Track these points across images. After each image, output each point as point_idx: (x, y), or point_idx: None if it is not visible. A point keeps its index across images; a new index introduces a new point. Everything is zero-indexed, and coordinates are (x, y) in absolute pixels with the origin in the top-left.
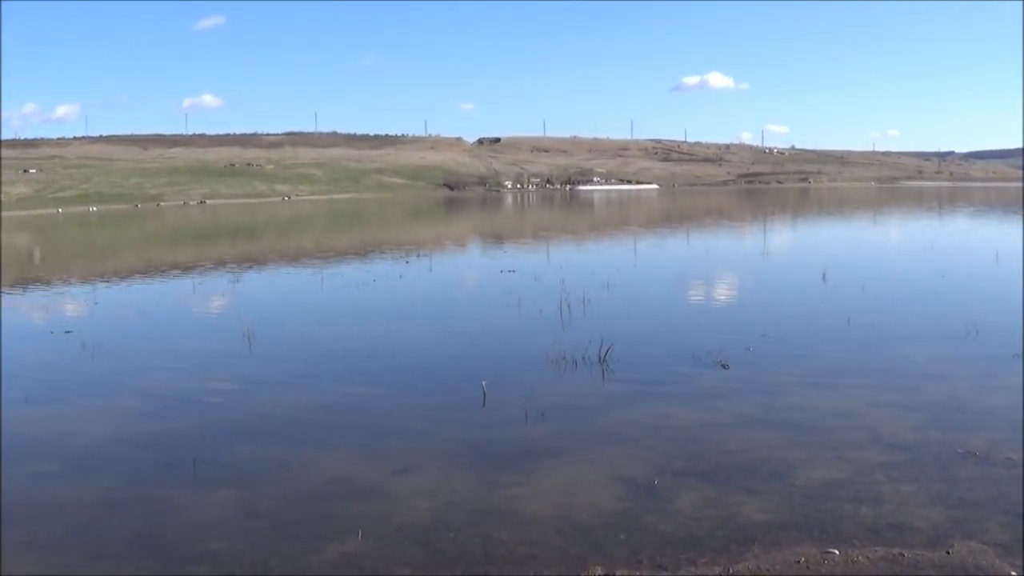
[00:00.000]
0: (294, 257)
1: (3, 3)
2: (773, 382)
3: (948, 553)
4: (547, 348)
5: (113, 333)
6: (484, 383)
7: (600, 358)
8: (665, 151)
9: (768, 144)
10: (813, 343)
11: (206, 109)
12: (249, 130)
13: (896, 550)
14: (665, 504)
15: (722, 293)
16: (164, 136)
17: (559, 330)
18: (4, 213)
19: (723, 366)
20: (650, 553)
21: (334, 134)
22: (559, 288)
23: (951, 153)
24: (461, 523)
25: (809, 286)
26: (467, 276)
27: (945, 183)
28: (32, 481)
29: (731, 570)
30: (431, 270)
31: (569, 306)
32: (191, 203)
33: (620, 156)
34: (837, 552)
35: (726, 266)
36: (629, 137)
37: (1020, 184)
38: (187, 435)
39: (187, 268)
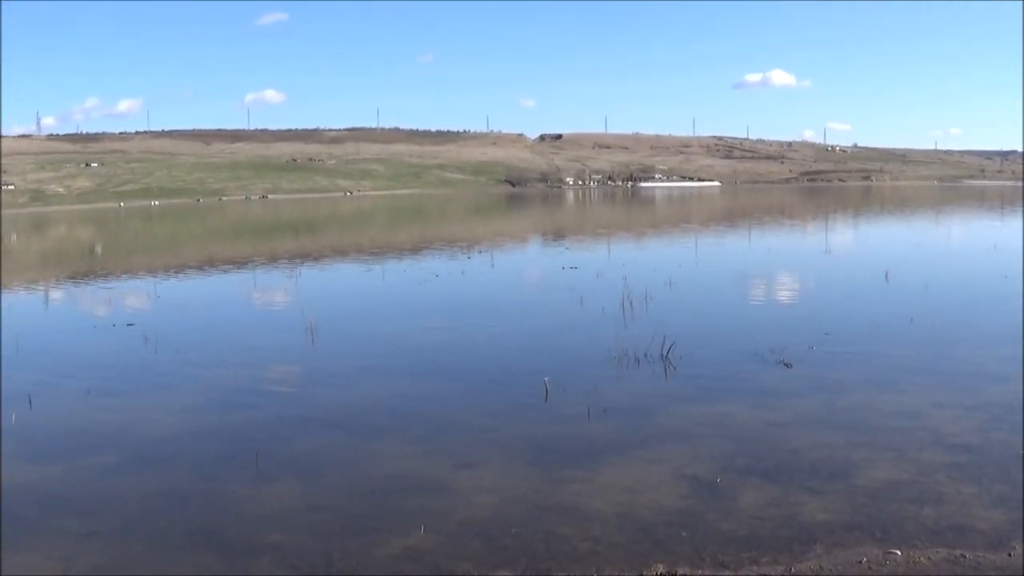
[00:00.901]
0: (356, 252)
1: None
2: (835, 381)
3: (1010, 555)
4: (609, 345)
5: (175, 326)
6: (546, 379)
7: (662, 355)
8: (727, 148)
9: (830, 142)
10: (876, 342)
11: (268, 104)
12: (311, 125)
13: (958, 551)
14: (727, 503)
15: (784, 291)
16: (226, 131)
17: (621, 327)
18: (67, 207)
19: (786, 365)
20: (712, 552)
21: (396, 130)
22: (621, 285)
23: (1013, 152)
24: (523, 519)
25: (872, 285)
26: (529, 272)
27: (1007, 182)
28: (94, 473)
29: (793, 570)
30: (493, 266)
31: (631, 303)
32: (253, 198)
33: (682, 153)
34: (899, 553)
35: (788, 264)
36: (691, 134)
37: None
38: (249, 428)
39: (249, 263)
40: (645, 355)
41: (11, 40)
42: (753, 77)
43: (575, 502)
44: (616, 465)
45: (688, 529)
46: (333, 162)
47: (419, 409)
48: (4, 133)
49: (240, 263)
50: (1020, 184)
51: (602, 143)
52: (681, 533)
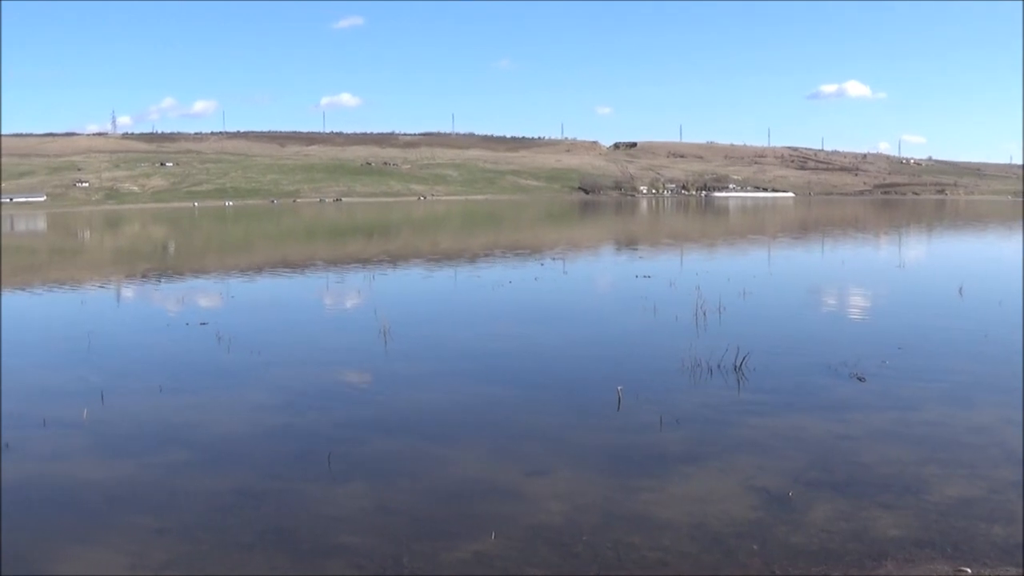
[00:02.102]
0: (429, 256)
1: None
2: (908, 396)
3: None
4: (682, 354)
5: (248, 326)
6: (620, 388)
7: (735, 366)
8: (801, 159)
9: (905, 155)
10: (949, 358)
11: (344, 108)
12: (386, 129)
13: None
14: (798, 515)
15: (858, 304)
16: (301, 133)
17: (694, 337)
18: (141, 205)
19: (859, 378)
20: (783, 564)
21: (471, 135)
22: (695, 295)
23: None
24: (594, 526)
25: (945, 300)
26: (602, 280)
27: None
28: (165, 470)
29: None
30: (566, 273)
31: (705, 313)
32: (327, 200)
33: (756, 163)
34: (970, 571)
35: (862, 277)
36: (766, 144)
37: None
38: (322, 429)
39: (322, 264)
40: (718, 365)
41: (87, 39)
42: (828, 88)
43: (646, 511)
44: (688, 475)
45: (758, 541)
46: (408, 166)
47: (491, 414)
48: (79, 131)
49: (314, 265)
50: None
51: (676, 152)
52: (752, 545)
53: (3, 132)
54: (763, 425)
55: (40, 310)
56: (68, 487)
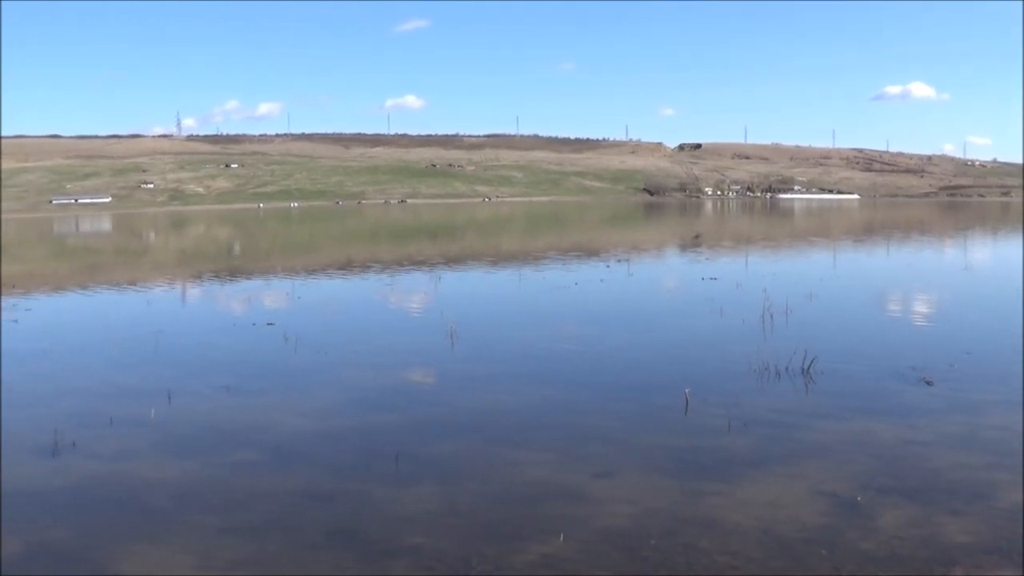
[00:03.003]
0: (494, 257)
1: (201, 3)
2: (977, 401)
3: None
4: (750, 357)
5: (315, 327)
6: (687, 390)
7: (803, 370)
8: (867, 161)
9: (970, 156)
10: (1017, 363)
11: (408, 110)
12: (451, 131)
13: None
14: (867, 521)
15: (925, 307)
16: (366, 135)
17: (761, 339)
18: (206, 206)
19: (927, 382)
20: (851, 570)
21: (535, 137)
22: (761, 297)
23: None
24: (662, 530)
25: (1013, 304)
26: (668, 282)
27: None
28: (232, 469)
29: None
30: (632, 275)
31: (772, 316)
32: (392, 202)
33: (821, 165)
34: None
35: (928, 280)
36: (831, 145)
37: None
38: (389, 430)
39: (388, 265)
40: (786, 368)
41: (153, 41)
42: (893, 89)
43: (715, 515)
44: (756, 479)
45: (827, 547)
46: (472, 168)
47: (558, 416)
48: (144, 132)
49: (379, 266)
50: None
51: (741, 153)
52: (821, 551)
53: (68, 134)
54: (831, 429)
55: (107, 310)
56: (134, 486)
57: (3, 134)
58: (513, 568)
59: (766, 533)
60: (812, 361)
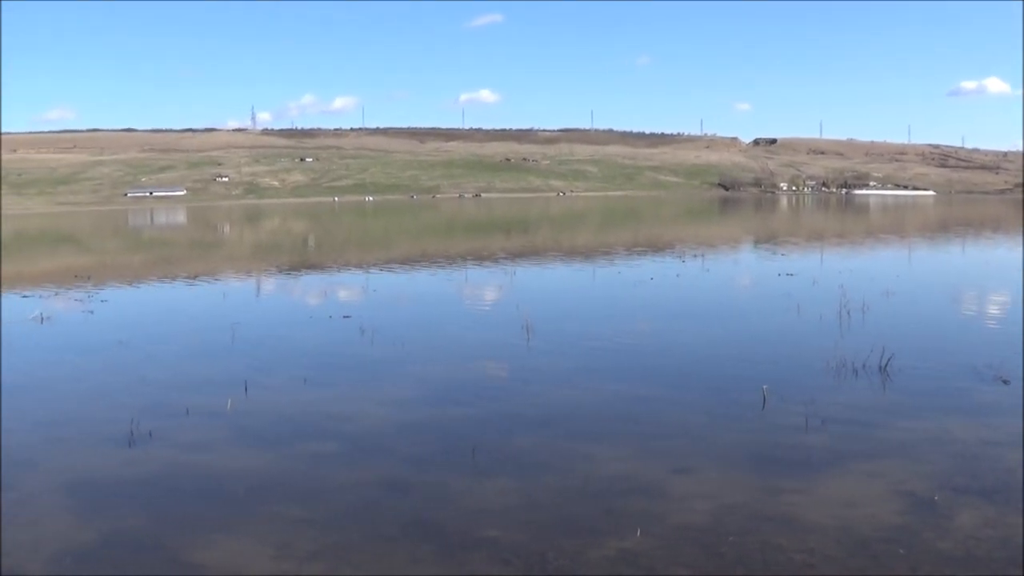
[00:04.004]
0: (569, 252)
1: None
2: None
3: None
4: (827, 354)
5: (391, 320)
6: (765, 387)
7: (880, 367)
8: (942, 157)
9: None
10: None
11: (482, 104)
12: (525, 126)
13: None
14: (944, 521)
15: (1002, 305)
16: (440, 130)
17: (838, 336)
18: (281, 200)
19: (1004, 381)
20: (928, 570)
21: (610, 131)
22: (838, 293)
23: None
24: (740, 527)
25: None
26: (745, 277)
27: None
28: (310, 461)
29: None
30: (708, 270)
31: (848, 312)
32: (466, 196)
33: (897, 160)
34: None
35: (1006, 278)
36: (906, 141)
37: None
38: (466, 423)
39: (462, 259)
40: (863, 366)
41: (228, 36)
42: (968, 84)
43: (792, 512)
44: (833, 477)
45: (904, 546)
46: (547, 162)
47: (635, 412)
48: (219, 126)
49: (453, 259)
50: None
51: (816, 148)
52: (898, 550)
53: (142, 127)
54: (908, 427)
55: (183, 302)
56: (211, 476)
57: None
58: (590, 563)
59: (844, 531)
60: (889, 359)
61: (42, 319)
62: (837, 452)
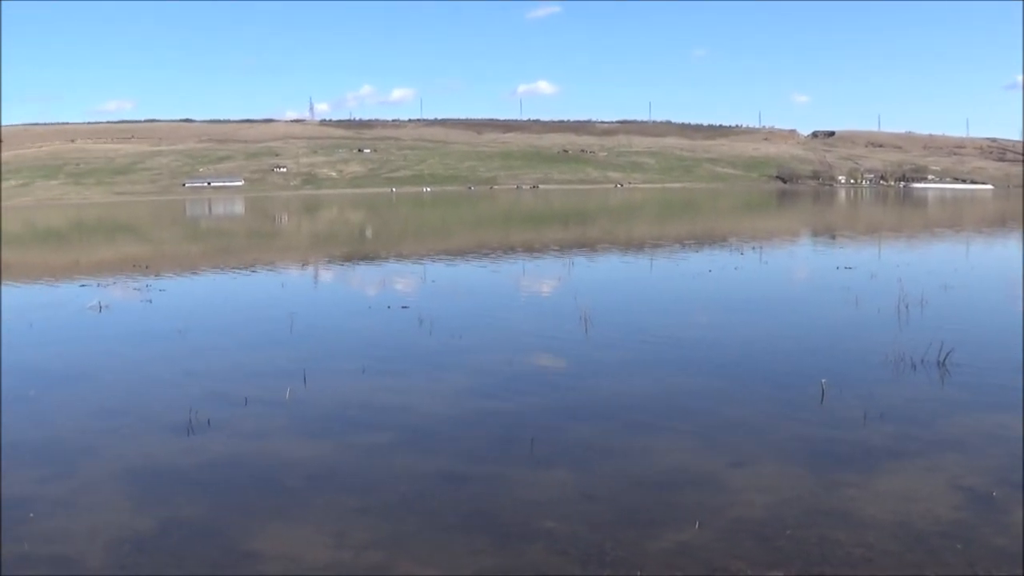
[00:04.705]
0: (626, 244)
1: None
2: None
3: None
4: (885, 348)
5: (449, 310)
6: (823, 381)
7: (939, 361)
8: (1000, 150)
9: None
10: None
11: (540, 95)
12: (583, 117)
13: None
14: (1002, 517)
15: None
16: (498, 121)
17: (897, 330)
18: (338, 190)
19: None
20: (985, 566)
21: (668, 123)
22: (896, 287)
23: None
24: (797, 521)
25: None
26: (803, 270)
27: None
28: (368, 450)
29: None
30: (766, 262)
31: (907, 306)
32: (524, 187)
33: (955, 154)
34: None
35: None
36: (964, 135)
37: None
38: (524, 414)
39: (520, 250)
40: (921, 360)
41: (287, 27)
42: None
43: (850, 507)
44: (891, 471)
45: (962, 541)
46: (604, 154)
47: (693, 404)
48: (277, 117)
49: (511, 250)
50: None
51: (875, 141)
52: (956, 545)
53: (199, 118)
54: (967, 422)
55: (241, 292)
56: (269, 465)
57: (134, 118)
58: (648, 555)
59: (901, 526)
60: (948, 353)
61: (100, 308)
62: (895, 446)
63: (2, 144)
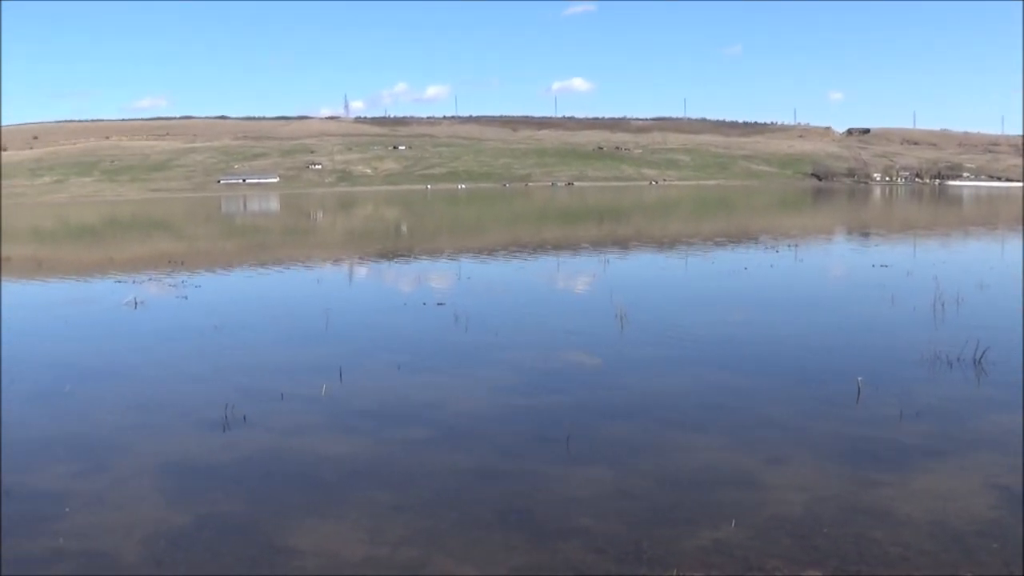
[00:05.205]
0: (662, 241)
1: None
2: None
3: None
4: (921, 346)
5: (484, 307)
6: (860, 378)
7: (975, 360)
8: None
9: None
10: None
11: (575, 92)
12: (617, 114)
13: None
14: None
15: None
16: (533, 118)
17: (932, 328)
18: (373, 188)
19: None
20: (1021, 565)
21: (703, 120)
22: (932, 285)
23: None
24: (834, 519)
25: None
26: (838, 268)
27: None
28: (404, 447)
29: None
30: (801, 260)
31: (943, 304)
32: (559, 184)
33: (990, 152)
34: None
35: None
36: (999, 132)
37: None
38: (560, 411)
39: (555, 247)
40: (958, 359)
41: (321, 24)
42: None
43: (886, 505)
44: (928, 470)
45: (999, 540)
46: (639, 151)
47: (728, 402)
48: (312, 114)
49: (547, 248)
50: None
51: (910, 139)
52: (992, 544)
53: (234, 115)
54: (1003, 421)
55: (277, 288)
56: (305, 461)
57: (169, 115)
58: (684, 553)
59: (937, 525)
60: (984, 352)
61: (136, 304)
62: (931, 445)
63: (2, 144)
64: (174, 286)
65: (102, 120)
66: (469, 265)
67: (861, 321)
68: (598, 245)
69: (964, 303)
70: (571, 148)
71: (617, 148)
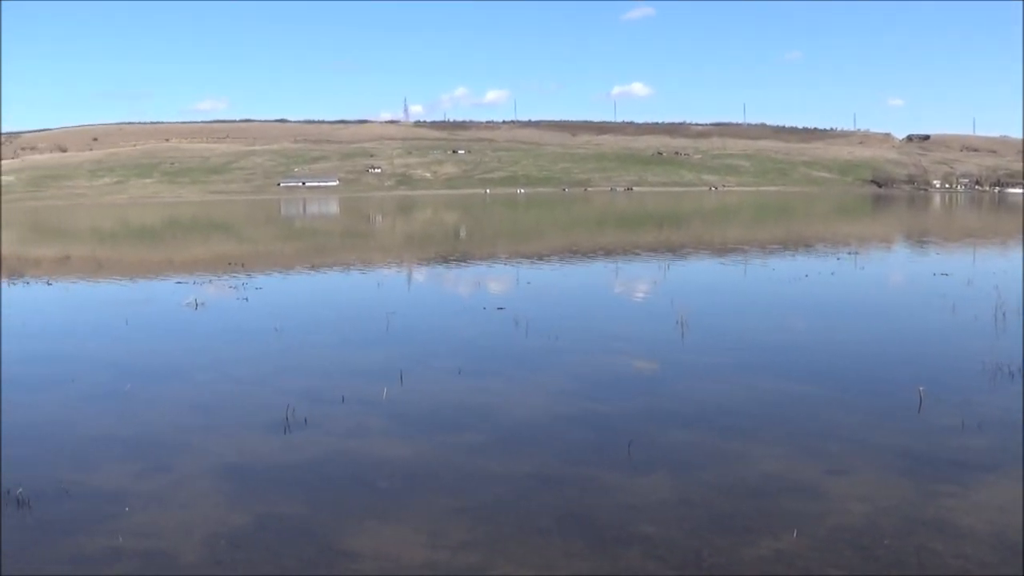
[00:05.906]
0: (722, 248)
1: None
2: None
3: None
4: (983, 356)
5: (544, 312)
6: (921, 388)
7: None
8: None
9: None
10: None
11: (635, 97)
12: (677, 119)
13: None
14: None
15: None
16: (592, 123)
17: (994, 338)
18: (432, 191)
19: None
20: None
21: (762, 126)
22: (993, 294)
23: None
24: (895, 530)
25: None
26: (899, 276)
27: None
28: (464, 451)
29: None
30: (862, 268)
31: (1004, 314)
32: (618, 189)
33: None
34: None
35: None
36: None
37: None
38: (621, 417)
39: (615, 252)
40: (1019, 369)
41: (382, 28)
42: None
43: (948, 517)
44: (990, 482)
45: None
46: (699, 156)
47: (789, 410)
48: (371, 118)
49: (607, 253)
50: None
51: (969, 145)
52: None
53: (294, 118)
54: None
55: (337, 291)
56: (365, 464)
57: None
58: (745, 562)
59: (998, 538)
60: None
61: (196, 305)
62: (993, 456)
63: (1, 146)
64: (234, 288)
65: (161, 123)
66: (528, 269)
67: (922, 330)
68: (658, 250)
69: None
70: (630, 153)
71: (676, 153)
